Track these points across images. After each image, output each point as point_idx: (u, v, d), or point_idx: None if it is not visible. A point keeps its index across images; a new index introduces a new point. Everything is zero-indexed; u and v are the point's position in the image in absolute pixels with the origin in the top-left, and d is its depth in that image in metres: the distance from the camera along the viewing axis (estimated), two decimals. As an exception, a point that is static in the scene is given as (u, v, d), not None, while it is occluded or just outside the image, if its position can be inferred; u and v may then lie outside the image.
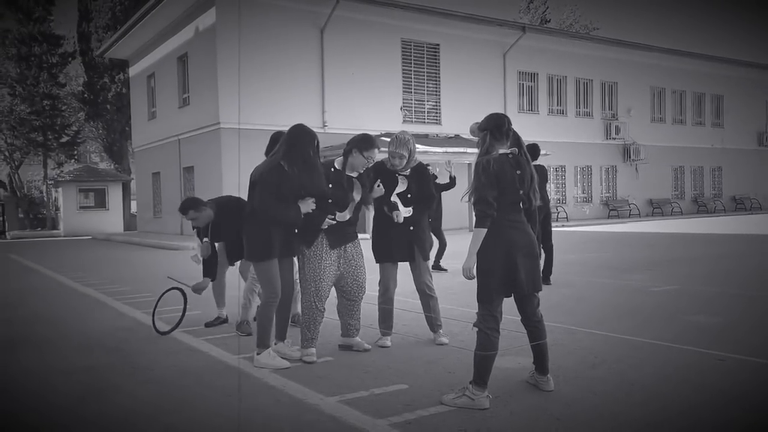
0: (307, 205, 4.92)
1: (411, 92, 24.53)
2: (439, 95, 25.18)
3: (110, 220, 30.35)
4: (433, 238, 6.97)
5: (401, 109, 24.10)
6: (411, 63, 24.43)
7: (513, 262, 3.93)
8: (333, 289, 5.21)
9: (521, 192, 4.02)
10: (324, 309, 5.09)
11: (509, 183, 3.96)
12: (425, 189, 5.53)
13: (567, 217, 28.20)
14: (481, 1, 75.46)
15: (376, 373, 4.66)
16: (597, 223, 26.18)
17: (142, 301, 8.18)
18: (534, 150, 8.26)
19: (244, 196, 5.89)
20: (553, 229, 9.38)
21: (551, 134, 27.69)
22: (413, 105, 24.62)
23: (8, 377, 4.92)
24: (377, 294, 5.64)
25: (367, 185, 5.24)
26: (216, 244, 6.40)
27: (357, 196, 5.20)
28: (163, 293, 6.62)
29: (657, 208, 31.80)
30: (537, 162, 7.78)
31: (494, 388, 4.04)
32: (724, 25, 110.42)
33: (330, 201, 5.04)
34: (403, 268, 5.78)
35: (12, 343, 6.06)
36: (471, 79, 25.69)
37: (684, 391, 4.07)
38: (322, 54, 22.27)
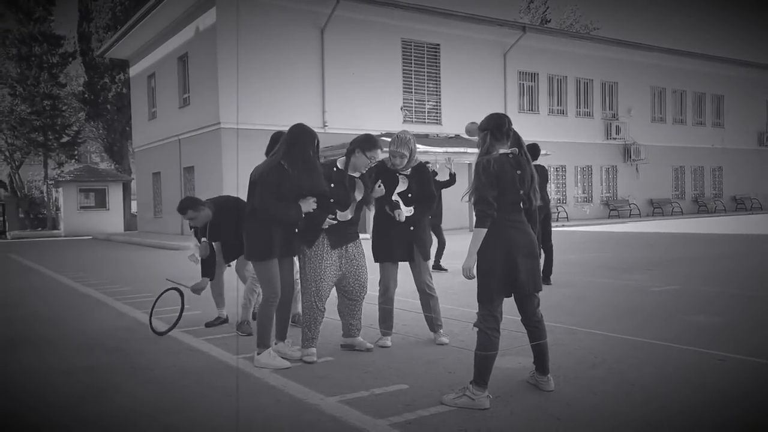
0: (308, 205, 4.92)
1: (411, 92, 24.53)
2: (440, 95, 25.18)
3: (111, 220, 30.37)
4: (432, 236, 6.97)
5: (401, 109, 24.11)
6: (411, 63, 24.44)
7: (513, 262, 3.93)
8: (333, 289, 5.21)
9: (521, 192, 4.02)
10: (324, 309, 5.09)
11: (509, 183, 3.96)
12: (426, 188, 5.53)
13: (567, 217, 28.21)
14: (481, 1, 75.54)
15: (376, 373, 4.66)
16: (597, 223, 26.18)
17: (142, 301, 8.18)
18: (534, 150, 8.26)
19: (243, 196, 5.90)
20: (553, 229, 9.40)
21: (551, 134, 27.69)
22: (413, 105, 24.62)
23: (8, 377, 4.92)
24: (377, 294, 5.64)
25: (369, 185, 5.24)
26: (213, 244, 6.40)
27: (358, 196, 5.20)
28: (161, 294, 6.63)
29: (657, 208, 31.80)
30: (537, 162, 7.77)
31: (494, 388, 4.04)
32: (725, 25, 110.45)
33: (332, 200, 5.04)
34: (403, 268, 5.78)
35: (12, 343, 6.06)
36: (471, 79, 25.69)
37: (684, 391, 4.07)
38: (323, 54, 22.27)
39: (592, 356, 4.94)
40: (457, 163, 17.20)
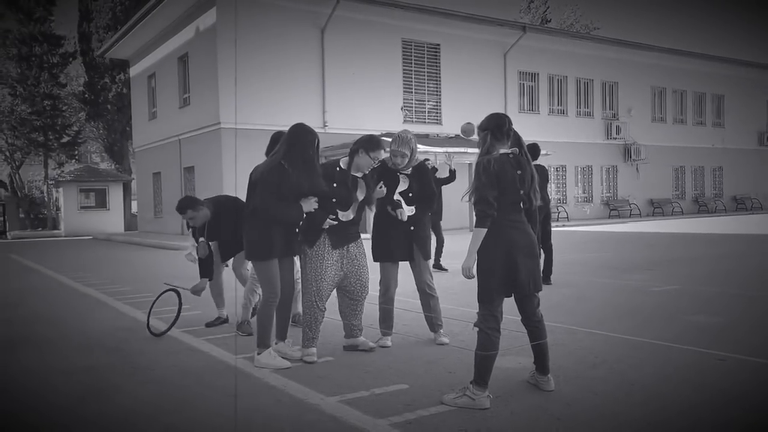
0: (310, 204, 4.91)
1: (411, 92, 24.54)
2: (440, 95, 25.18)
3: (111, 220, 30.37)
4: (431, 234, 6.98)
5: (402, 109, 24.11)
6: (411, 63, 24.44)
7: (513, 262, 3.93)
8: (334, 289, 5.20)
9: (522, 192, 4.02)
10: (325, 309, 5.09)
11: (510, 183, 3.96)
12: (427, 188, 5.53)
13: (568, 217, 28.21)
14: (481, 1, 75.54)
15: (376, 373, 4.66)
16: (597, 223, 26.18)
17: (142, 301, 8.17)
18: (534, 150, 8.26)
19: (242, 196, 5.91)
20: (553, 228, 9.40)
21: (552, 134, 27.69)
22: (414, 105, 24.63)
23: (8, 377, 4.92)
24: (378, 294, 5.64)
25: (371, 185, 5.23)
26: (210, 244, 6.40)
27: (360, 196, 5.20)
28: (159, 295, 6.62)
29: (658, 208, 31.80)
30: (537, 162, 7.78)
31: (495, 388, 4.04)
32: (725, 24, 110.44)
33: (334, 200, 5.04)
34: (404, 268, 5.77)
35: (12, 343, 6.06)
36: (471, 79, 25.69)
37: (684, 391, 4.07)
38: (323, 54, 22.28)
39: (593, 356, 4.94)
40: (457, 163, 17.18)
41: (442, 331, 5.56)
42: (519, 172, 4.02)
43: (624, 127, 30.34)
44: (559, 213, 27.67)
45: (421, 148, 13.51)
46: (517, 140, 4.10)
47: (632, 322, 6.24)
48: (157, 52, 25.76)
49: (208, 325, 6.52)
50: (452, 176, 9.90)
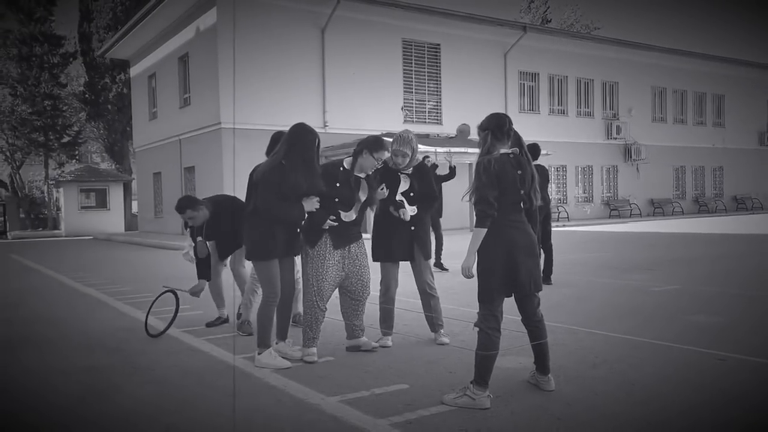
0: (311, 204, 4.91)
1: (412, 92, 24.53)
2: (440, 95, 25.18)
3: (111, 220, 30.38)
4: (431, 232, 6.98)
5: (402, 109, 24.11)
6: (412, 63, 24.43)
7: (514, 261, 3.93)
8: (335, 289, 5.20)
9: (522, 192, 4.02)
10: (326, 309, 5.08)
11: (510, 183, 3.96)
12: (428, 187, 5.54)
13: (568, 217, 28.20)
14: (481, 1, 75.50)
15: (377, 372, 4.66)
16: (598, 223, 26.18)
17: (142, 301, 8.17)
18: (534, 150, 8.26)
19: (240, 196, 5.92)
20: (553, 228, 9.40)
21: (552, 134, 27.68)
22: (414, 105, 24.62)
23: (8, 377, 4.93)
24: (378, 293, 5.64)
25: (374, 186, 5.23)
26: (208, 243, 6.40)
27: (363, 197, 5.20)
28: (157, 297, 6.62)
29: (658, 208, 31.79)
30: (537, 162, 7.77)
31: (495, 387, 4.04)
32: (725, 24, 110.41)
33: (337, 200, 5.04)
34: (404, 268, 5.78)
35: (12, 343, 6.06)
36: (472, 79, 25.69)
37: (684, 391, 4.07)
38: (323, 54, 22.28)
39: (593, 356, 4.94)
40: (457, 163, 17.21)
41: (442, 331, 5.56)
42: (519, 172, 4.02)
43: (624, 127, 30.33)
44: (559, 213, 27.67)
45: (421, 148, 13.50)
46: (517, 140, 4.10)
47: (633, 322, 6.24)
48: (157, 52, 25.77)
49: (209, 325, 6.52)
50: (452, 173, 9.90)
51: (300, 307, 6.13)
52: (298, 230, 5.07)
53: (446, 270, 10.54)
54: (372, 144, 5.10)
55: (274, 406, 4.02)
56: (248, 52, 20.79)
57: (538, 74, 28.13)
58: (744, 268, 10.47)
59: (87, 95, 36.69)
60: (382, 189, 5.31)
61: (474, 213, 4.05)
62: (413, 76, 24.50)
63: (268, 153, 5.72)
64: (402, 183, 5.49)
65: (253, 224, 4.97)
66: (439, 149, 19.54)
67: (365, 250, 5.28)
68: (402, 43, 24.07)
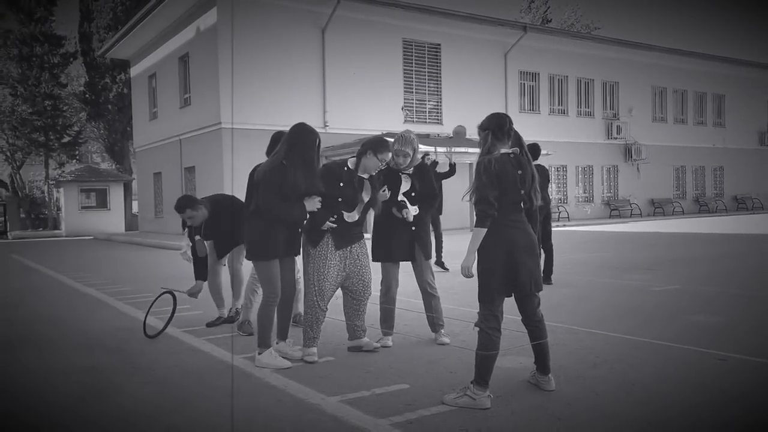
0: (313, 204, 4.91)
1: (412, 92, 24.53)
2: (441, 95, 25.18)
3: (111, 220, 30.38)
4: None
5: (402, 109, 24.10)
6: (412, 63, 24.43)
7: (514, 261, 3.93)
8: (336, 289, 5.20)
9: (522, 192, 4.02)
10: (326, 309, 5.08)
11: (510, 183, 3.96)
12: (428, 187, 5.54)
13: (568, 217, 28.20)
14: (482, 1, 75.47)
15: (377, 372, 4.66)
16: (598, 223, 26.17)
17: (143, 301, 8.17)
18: (535, 150, 8.26)
19: (239, 196, 5.93)
20: (554, 228, 9.40)
21: (552, 134, 27.68)
22: (414, 105, 24.62)
23: (8, 377, 4.92)
24: (379, 294, 5.64)
25: (377, 187, 5.23)
26: (206, 243, 6.40)
27: (366, 197, 5.20)
28: (156, 299, 6.60)
29: (658, 208, 31.78)
30: (537, 162, 7.77)
31: (495, 387, 4.04)
32: (726, 24, 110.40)
33: (340, 199, 5.04)
34: (405, 268, 5.78)
35: (12, 343, 6.06)
36: (472, 78, 25.68)
37: (684, 391, 4.07)
38: (324, 54, 22.27)
39: (593, 356, 4.94)
40: (458, 163, 17.22)
41: (443, 330, 5.56)
42: (520, 172, 4.01)
43: (625, 127, 30.32)
44: (559, 213, 27.66)
45: (421, 148, 13.53)
46: (517, 140, 4.10)
47: (633, 321, 6.24)
48: (157, 52, 25.77)
49: (209, 325, 6.52)
50: (452, 170, 9.90)
51: (300, 307, 6.14)
52: (300, 230, 5.08)
53: (447, 270, 10.53)
54: (376, 145, 5.10)
55: (274, 406, 4.02)
56: (248, 52, 20.79)
57: (539, 74, 28.13)
58: (744, 268, 10.47)
59: (87, 95, 36.71)
60: (384, 191, 5.31)
61: (474, 213, 4.05)
62: (413, 76, 24.50)
63: (268, 153, 5.72)
64: (403, 183, 5.49)
65: (254, 224, 4.97)
66: (440, 149, 19.57)
67: (366, 250, 5.28)
68: (402, 43, 24.07)
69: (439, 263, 10.57)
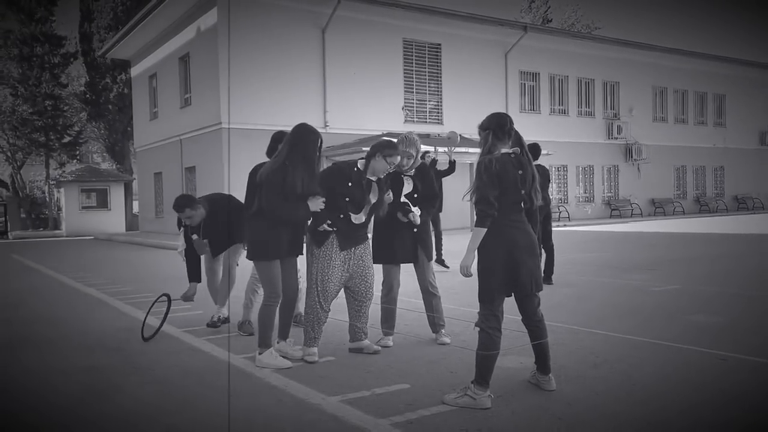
0: (316, 204, 4.91)
1: (413, 92, 24.52)
2: (441, 95, 25.17)
3: (112, 220, 30.39)
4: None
5: (403, 109, 24.10)
6: (412, 63, 24.42)
7: (514, 261, 3.93)
8: (340, 290, 5.19)
9: (523, 192, 4.02)
10: (329, 309, 5.06)
11: (511, 183, 3.96)
12: (429, 188, 5.55)
13: (569, 217, 28.19)
14: (482, 1, 75.45)
15: (377, 372, 4.66)
16: (599, 223, 26.17)
17: (143, 301, 8.17)
18: (535, 150, 8.26)
19: (239, 196, 5.93)
20: (554, 228, 9.39)
21: (553, 134, 27.67)
22: (415, 105, 24.61)
23: (8, 377, 4.93)
24: (380, 294, 5.64)
25: (384, 190, 5.23)
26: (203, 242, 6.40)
27: (373, 199, 5.20)
28: (153, 302, 6.59)
29: (659, 208, 31.77)
30: (538, 162, 7.77)
31: (496, 387, 4.04)
32: (726, 24, 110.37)
33: (347, 199, 5.04)
34: (406, 268, 5.77)
35: (12, 343, 6.06)
36: (473, 78, 25.68)
37: (684, 391, 4.07)
38: (324, 54, 22.27)
39: (594, 356, 4.94)
40: (458, 163, 17.21)
41: (443, 330, 5.56)
42: (520, 171, 4.01)
43: (625, 127, 30.31)
44: (560, 213, 27.65)
45: (422, 148, 13.52)
46: (518, 140, 4.10)
47: (633, 321, 6.24)
48: (158, 53, 25.77)
49: (209, 325, 6.51)
50: (452, 168, 9.89)
51: (301, 307, 6.13)
52: (304, 229, 5.08)
53: (447, 268, 10.54)
54: (385, 147, 5.10)
55: (274, 405, 4.02)
56: (248, 52, 20.79)
57: (539, 74, 28.12)
58: (744, 268, 10.46)
59: (88, 95, 36.71)
60: (387, 194, 5.31)
61: (474, 212, 4.05)
62: (414, 76, 24.49)
63: (268, 153, 5.72)
64: (405, 185, 5.50)
65: (256, 224, 4.97)
66: (440, 149, 19.56)
67: (370, 251, 5.28)
68: (403, 43, 24.06)
69: (440, 261, 10.59)
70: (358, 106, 22.79)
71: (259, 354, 4.91)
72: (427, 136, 22.67)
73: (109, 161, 40.80)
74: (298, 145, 4.88)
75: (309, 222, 5.06)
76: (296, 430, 3.61)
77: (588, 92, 29.99)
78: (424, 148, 6.48)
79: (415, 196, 5.50)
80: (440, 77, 25.09)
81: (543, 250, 8.80)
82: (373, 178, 5.18)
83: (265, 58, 21.06)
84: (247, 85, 20.77)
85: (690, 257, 12.13)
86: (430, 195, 5.55)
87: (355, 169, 5.13)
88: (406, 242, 5.46)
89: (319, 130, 5.13)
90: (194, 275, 6.40)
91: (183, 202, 6.19)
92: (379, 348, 5.31)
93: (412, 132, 5.59)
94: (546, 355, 4.15)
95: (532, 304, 4.13)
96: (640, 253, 13.41)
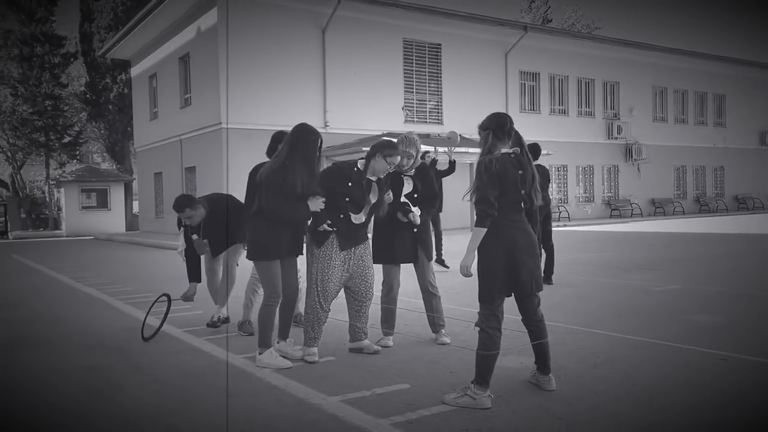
0: (317, 204, 4.91)
1: (413, 92, 24.52)
2: (441, 95, 25.16)
3: (112, 220, 30.38)
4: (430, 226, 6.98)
5: (403, 109, 24.09)
6: (413, 63, 24.42)
7: (514, 261, 3.93)
8: (340, 290, 5.19)
9: (523, 192, 4.02)
10: (329, 309, 5.06)
11: (511, 183, 3.96)
12: (429, 188, 5.55)
13: (569, 217, 28.19)
14: (482, 1, 75.48)
15: (378, 372, 4.66)
16: (599, 223, 26.17)
17: (143, 301, 8.17)
18: (535, 150, 8.26)
19: (238, 196, 5.93)
20: (554, 228, 9.39)
21: (553, 134, 27.66)
22: (415, 105, 24.61)
23: (8, 377, 4.93)
24: (380, 294, 5.64)
25: (384, 190, 5.23)
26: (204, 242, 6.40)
27: (373, 199, 5.20)
28: (153, 303, 6.59)
29: (659, 208, 31.77)
30: (538, 162, 7.77)
31: (496, 387, 4.04)
32: (726, 24, 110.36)
33: (347, 199, 5.04)
34: (406, 268, 5.77)
35: (12, 343, 6.06)
36: (473, 78, 25.67)
37: (684, 391, 4.07)
38: (324, 54, 22.27)
39: (594, 356, 4.94)
40: (459, 163, 17.20)
41: (443, 330, 5.56)
42: (520, 171, 4.01)
43: (625, 127, 30.31)
44: (560, 213, 27.65)
45: (422, 148, 13.50)
46: (518, 140, 4.10)
47: (633, 321, 6.24)
48: (158, 53, 25.77)
49: (209, 325, 6.51)
50: (452, 167, 9.88)
51: (301, 307, 6.13)
52: (305, 230, 5.08)
53: (447, 267, 10.54)
54: (385, 147, 5.10)
55: (274, 406, 4.02)
56: (248, 52, 20.79)
57: (539, 74, 28.12)
58: (744, 267, 10.46)
59: (88, 95, 36.71)
60: (387, 194, 5.31)
61: (474, 212, 4.05)
62: (414, 76, 24.49)
63: (268, 153, 5.72)
64: (405, 185, 5.50)
65: (256, 224, 4.97)
66: (440, 149, 19.55)
67: (370, 251, 5.28)
68: (403, 42, 24.06)
69: (440, 261, 10.59)
70: (358, 106, 22.79)
71: (259, 354, 4.91)
72: (427, 136, 22.67)
73: (109, 161, 40.80)
74: (298, 145, 4.88)
75: (309, 222, 5.07)
76: (296, 430, 3.61)
77: (588, 92, 29.98)
78: (424, 148, 6.48)
79: (415, 196, 5.50)
80: (440, 77, 25.09)
81: (543, 250, 8.80)
82: (373, 178, 5.18)
83: (264, 58, 21.06)
84: (246, 85, 20.77)
85: (690, 257, 12.13)
86: (430, 195, 5.55)
87: (355, 169, 5.13)
88: (406, 242, 5.46)
89: (319, 130, 5.13)
90: (194, 275, 6.40)
91: (183, 202, 6.19)
92: (379, 348, 5.31)
93: (412, 132, 5.59)
94: (546, 355, 4.15)
95: (532, 304, 4.13)
96: (640, 253, 13.41)
